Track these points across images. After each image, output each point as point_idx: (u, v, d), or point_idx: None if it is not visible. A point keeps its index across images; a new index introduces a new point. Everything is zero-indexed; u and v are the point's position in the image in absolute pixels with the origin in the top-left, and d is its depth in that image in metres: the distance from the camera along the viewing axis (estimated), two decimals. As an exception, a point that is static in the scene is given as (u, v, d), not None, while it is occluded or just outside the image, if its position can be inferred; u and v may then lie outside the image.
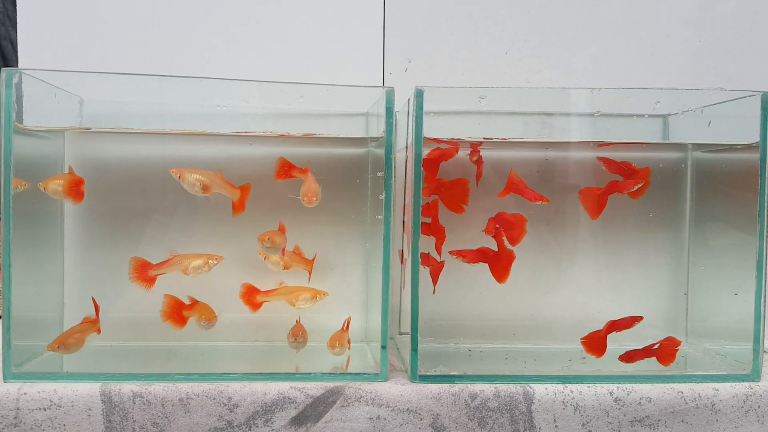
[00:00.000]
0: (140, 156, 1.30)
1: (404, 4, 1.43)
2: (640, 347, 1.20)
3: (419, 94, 1.10)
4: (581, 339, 1.20)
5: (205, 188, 1.17)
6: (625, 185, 1.24)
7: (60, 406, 1.03)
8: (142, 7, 1.38)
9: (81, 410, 1.03)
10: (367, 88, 1.12)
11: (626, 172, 1.24)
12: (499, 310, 1.38)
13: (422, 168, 1.09)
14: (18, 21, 1.38)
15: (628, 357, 1.19)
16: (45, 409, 1.02)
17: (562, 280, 1.38)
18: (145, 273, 1.16)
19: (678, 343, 1.21)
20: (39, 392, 1.03)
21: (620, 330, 1.21)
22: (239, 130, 1.28)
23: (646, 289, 1.39)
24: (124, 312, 1.30)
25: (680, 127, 1.39)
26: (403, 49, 1.44)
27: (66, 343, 1.13)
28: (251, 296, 1.21)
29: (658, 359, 1.20)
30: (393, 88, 1.10)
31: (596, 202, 1.24)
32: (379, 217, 1.13)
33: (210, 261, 1.18)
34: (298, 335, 1.20)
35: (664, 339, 1.21)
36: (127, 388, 1.04)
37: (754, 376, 1.15)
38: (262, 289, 1.21)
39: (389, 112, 1.10)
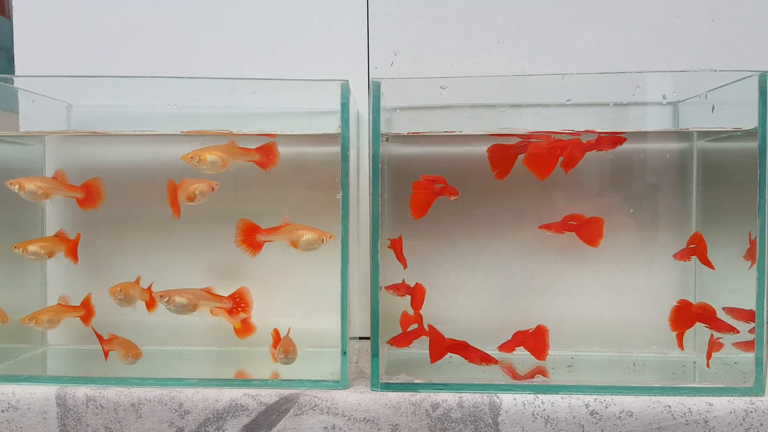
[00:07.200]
0: (119, 160, 1.30)
1: (388, -6, 1.38)
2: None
3: (376, 87, 1.04)
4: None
5: (47, 194, 1.14)
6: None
7: (17, 409, 1.03)
8: (129, 12, 1.39)
9: (37, 413, 1.03)
10: (323, 82, 1.06)
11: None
12: (489, 314, 1.30)
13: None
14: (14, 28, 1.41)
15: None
16: (3, 411, 1.03)
17: (558, 282, 1.29)
18: (252, 237, 1.08)
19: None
20: (-2, 394, 1.04)
21: None
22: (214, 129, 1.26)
23: (651, 291, 1.28)
24: (106, 316, 1.30)
25: (688, 115, 1.27)
26: (388, 41, 1.38)
27: (38, 318, 1.15)
28: (251, 235, 1.09)
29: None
30: (347, 81, 1.05)
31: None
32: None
33: (324, 237, 1.09)
34: (289, 352, 1.09)
35: None
36: (82, 391, 1.03)
37: (757, 389, 1.02)
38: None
39: (344, 107, 1.05)
